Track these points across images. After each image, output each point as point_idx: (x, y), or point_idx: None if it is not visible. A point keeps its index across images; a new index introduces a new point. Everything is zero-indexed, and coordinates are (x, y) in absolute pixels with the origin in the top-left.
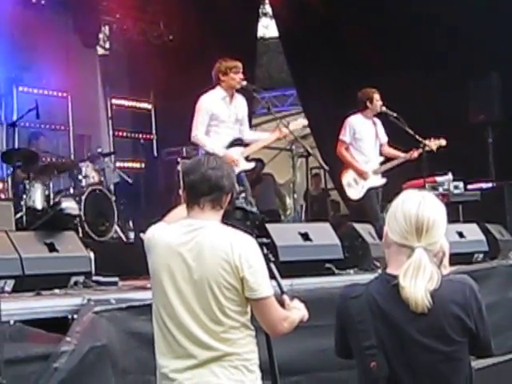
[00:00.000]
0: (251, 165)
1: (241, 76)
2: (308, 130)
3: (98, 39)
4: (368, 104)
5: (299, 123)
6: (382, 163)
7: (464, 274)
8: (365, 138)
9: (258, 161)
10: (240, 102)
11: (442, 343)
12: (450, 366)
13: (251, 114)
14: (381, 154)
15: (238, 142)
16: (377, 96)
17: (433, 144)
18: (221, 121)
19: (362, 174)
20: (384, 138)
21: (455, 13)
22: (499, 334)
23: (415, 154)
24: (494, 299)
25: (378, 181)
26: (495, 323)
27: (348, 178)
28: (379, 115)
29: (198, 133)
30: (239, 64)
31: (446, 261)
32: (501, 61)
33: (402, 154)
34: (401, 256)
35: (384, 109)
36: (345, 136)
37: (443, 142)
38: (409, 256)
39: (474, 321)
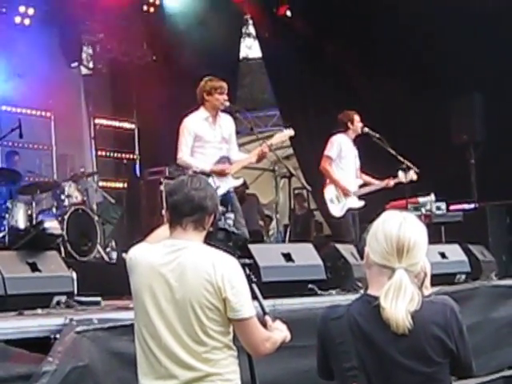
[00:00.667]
0: (239, 181)
1: (225, 97)
2: (291, 151)
3: (81, 59)
4: (349, 125)
5: (286, 134)
6: (361, 187)
7: (445, 295)
8: (348, 158)
9: None
10: (225, 121)
11: (422, 364)
12: None
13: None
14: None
15: (223, 161)
16: (357, 117)
17: (404, 177)
18: (205, 141)
19: (345, 191)
20: (358, 163)
21: (439, 34)
22: (482, 354)
23: (391, 182)
24: (476, 320)
25: (357, 203)
26: (478, 344)
27: (330, 194)
28: (361, 136)
29: (182, 155)
30: (224, 85)
31: (428, 281)
32: (483, 81)
33: (376, 182)
34: (382, 277)
35: (366, 129)
36: (330, 152)
37: (414, 177)
38: (390, 277)
39: (454, 342)
